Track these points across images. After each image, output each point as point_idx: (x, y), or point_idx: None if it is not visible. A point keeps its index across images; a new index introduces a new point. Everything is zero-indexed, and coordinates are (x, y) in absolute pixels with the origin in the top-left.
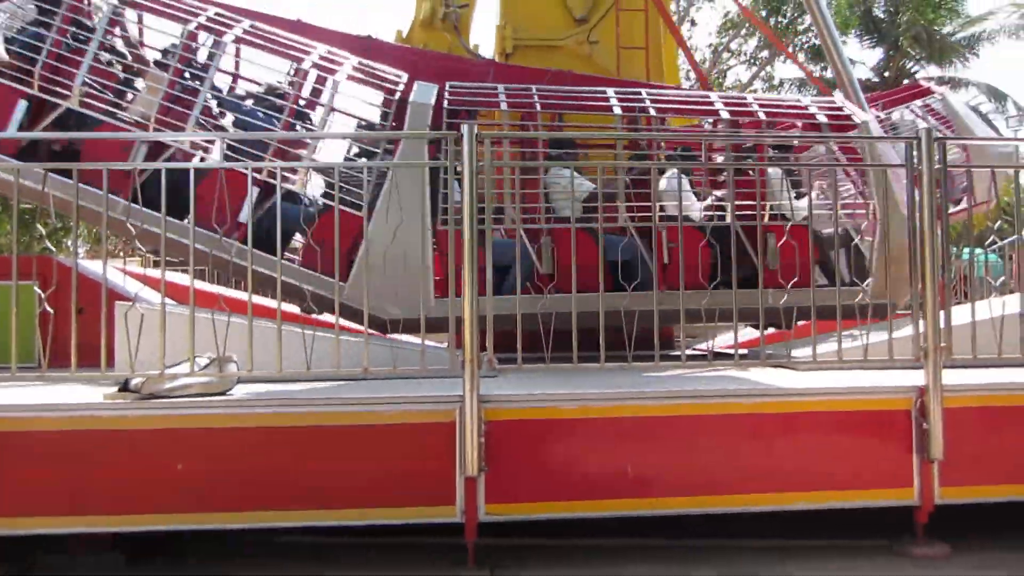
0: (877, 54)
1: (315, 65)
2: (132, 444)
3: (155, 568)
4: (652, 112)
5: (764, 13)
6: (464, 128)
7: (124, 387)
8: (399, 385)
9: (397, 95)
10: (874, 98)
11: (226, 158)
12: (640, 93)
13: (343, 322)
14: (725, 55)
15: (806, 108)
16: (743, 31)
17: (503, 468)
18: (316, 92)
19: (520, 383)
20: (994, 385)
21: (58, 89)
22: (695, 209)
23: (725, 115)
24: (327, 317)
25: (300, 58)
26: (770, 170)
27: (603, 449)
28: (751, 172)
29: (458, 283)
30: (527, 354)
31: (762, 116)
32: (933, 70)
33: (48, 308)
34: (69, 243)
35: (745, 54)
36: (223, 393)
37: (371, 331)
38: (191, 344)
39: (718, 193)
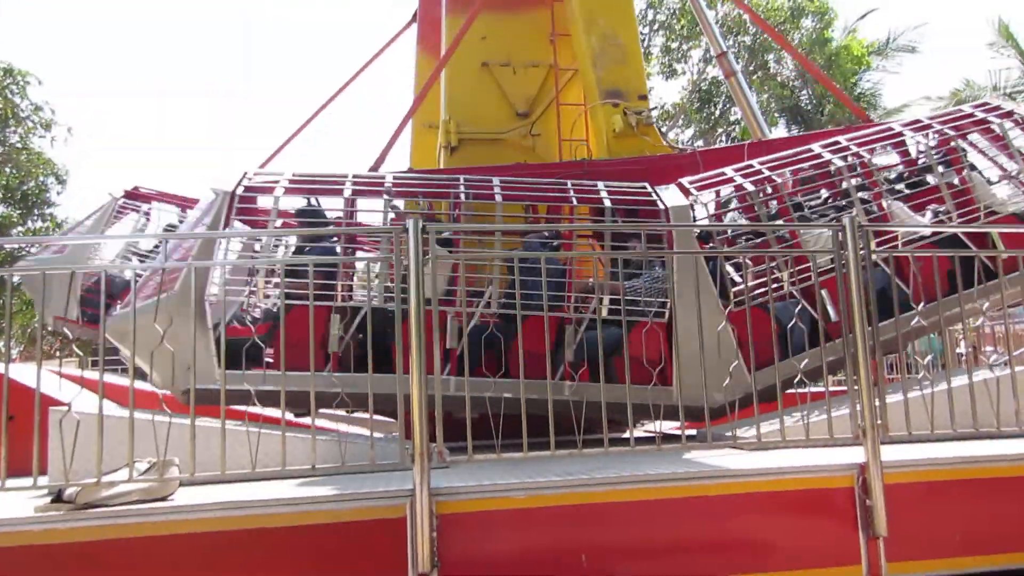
0: None
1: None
2: (65, 560)
3: None
4: (864, 155)
5: (697, 104)
6: (409, 223)
7: (57, 498)
8: (348, 481)
9: (660, 204)
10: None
11: None
12: (839, 142)
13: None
14: None
15: (972, 115)
16: (679, 121)
17: (457, 563)
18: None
19: (471, 474)
20: (931, 460)
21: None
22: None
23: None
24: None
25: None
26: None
27: (556, 537)
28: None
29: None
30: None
31: (949, 132)
32: None
33: None
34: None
35: (682, 142)
36: (164, 499)
37: (320, 426)
38: (130, 448)
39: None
